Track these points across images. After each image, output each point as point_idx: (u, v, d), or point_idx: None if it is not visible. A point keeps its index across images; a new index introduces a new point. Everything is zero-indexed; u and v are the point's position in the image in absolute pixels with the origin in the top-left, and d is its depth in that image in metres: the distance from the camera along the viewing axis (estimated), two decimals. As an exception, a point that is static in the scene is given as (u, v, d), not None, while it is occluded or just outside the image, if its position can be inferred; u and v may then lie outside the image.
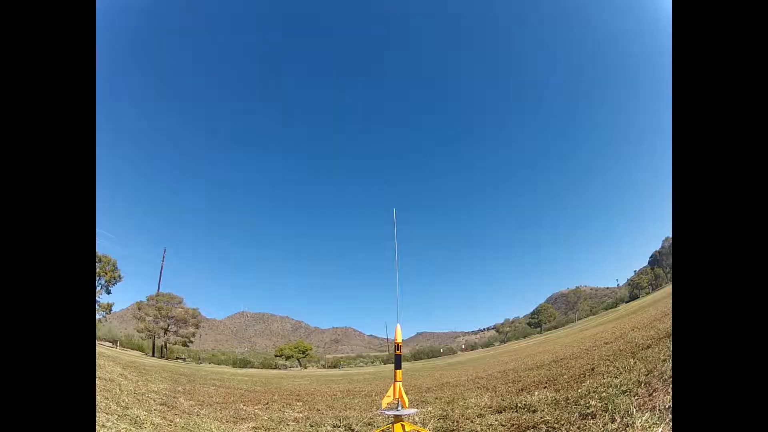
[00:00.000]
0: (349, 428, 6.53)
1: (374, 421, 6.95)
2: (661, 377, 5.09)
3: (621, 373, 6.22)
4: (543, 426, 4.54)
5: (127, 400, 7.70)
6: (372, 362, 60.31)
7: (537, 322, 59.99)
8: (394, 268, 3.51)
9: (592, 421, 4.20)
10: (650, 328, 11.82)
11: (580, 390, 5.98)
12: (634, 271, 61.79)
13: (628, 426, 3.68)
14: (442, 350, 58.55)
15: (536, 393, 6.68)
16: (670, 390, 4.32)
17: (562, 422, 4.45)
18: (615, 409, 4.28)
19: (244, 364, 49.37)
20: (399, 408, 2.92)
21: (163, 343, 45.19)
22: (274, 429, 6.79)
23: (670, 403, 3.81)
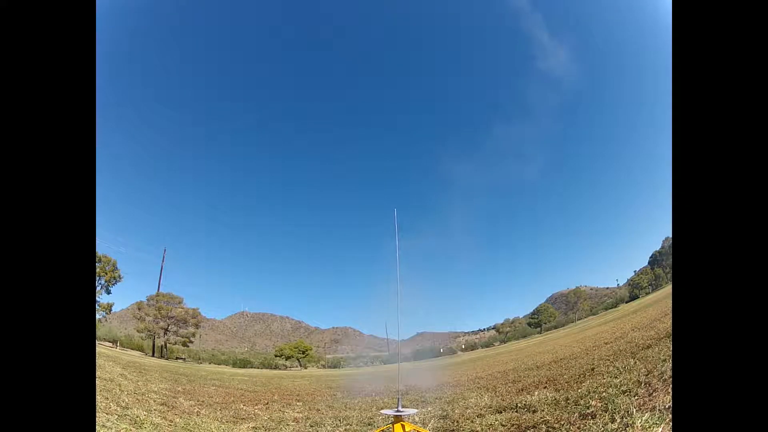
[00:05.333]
0: (349, 428, 6.53)
1: (374, 421, 6.95)
2: (661, 377, 5.10)
3: (621, 373, 6.22)
4: (543, 426, 4.54)
5: (127, 400, 7.71)
6: (372, 362, 60.27)
7: (537, 322, 59.86)
8: (395, 269, 3.50)
9: (592, 421, 4.20)
10: (650, 328, 11.83)
11: (580, 390, 5.98)
12: (634, 271, 61.56)
13: (628, 426, 3.68)
14: (442, 350, 58.47)
15: (536, 393, 6.68)
16: (670, 390, 4.32)
17: (562, 422, 4.45)
18: (615, 409, 4.28)
19: (244, 364, 49.32)
20: (399, 408, 2.92)
21: (163, 343, 45.17)
22: (274, 429, 6.80)
23: (670, 403, 3.81)
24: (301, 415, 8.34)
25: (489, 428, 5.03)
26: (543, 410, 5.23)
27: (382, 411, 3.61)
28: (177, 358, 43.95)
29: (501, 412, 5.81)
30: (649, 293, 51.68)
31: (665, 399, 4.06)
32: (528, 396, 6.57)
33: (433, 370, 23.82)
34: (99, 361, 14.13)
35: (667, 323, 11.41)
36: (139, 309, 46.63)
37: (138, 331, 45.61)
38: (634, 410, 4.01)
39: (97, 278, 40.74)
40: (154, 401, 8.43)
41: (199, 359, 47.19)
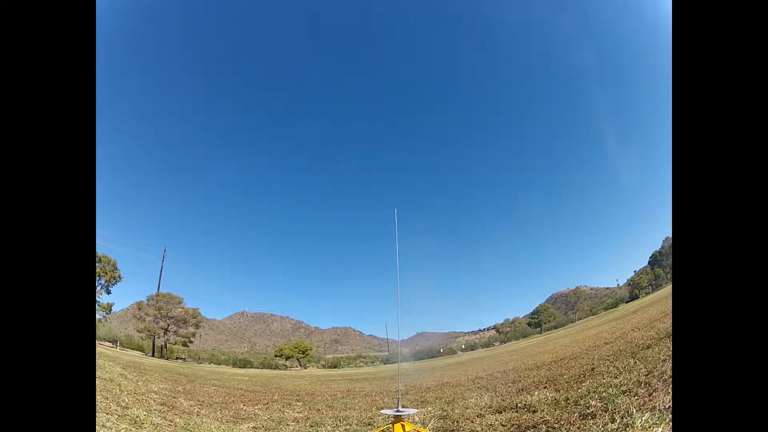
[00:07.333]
0: (349, 428, 6.53)
1: (374, 421, 6.95)
2: (661, 377, 5.10)
3: (621, 373, 6.22)
4: (543, 426, 4.54)
5: (127, 400, 7.71)
6: (372, 362, 60.26)
7: (537, 322, 59.87)
8: (394, 269, 3.50)
9: (592, 421, 4.20)
10: (650, 328, 11.82)
11: (580, 390, 5.98)
12: (634, 271, 61.50)
13: (628, 426, 3.68)
14: (442, 350, 58.46)
15: (536, 393, 6.68)
16: (670, 390, 4.32)
17: (562, 422, 4.45)
18: (615, 409, 4.28)
19: (244, 364, 49.32)
20: (399, 408, 2.92)
21: (163, 343, 45.15)
22: (274, 429, 6.80)
23: (670, 403, 3.81)
24: (301, 415, 8.34)
25: (489, 428, 5.03)
26: (543, 410, 5.23)
27: (382, 411, 3.61)
28: (177, 358, 43.93)
29: (501, 412, 5.81)
30: (649, 293, 51.66)
31: (665, 399, 4.06)
32: (528, 396, 6.57)
33: (439, 369, 23.85)
34: (99, 361, 14.13)
35: (667, 323, 11.40)
36: (139, 309, 46.59)
37: (138, 331, 45.57)
38: (634, 410, 4.01)
39: (97, 278, 40.74)
40: (154, 401, 8.43)
41: (199, 359, 47.17)
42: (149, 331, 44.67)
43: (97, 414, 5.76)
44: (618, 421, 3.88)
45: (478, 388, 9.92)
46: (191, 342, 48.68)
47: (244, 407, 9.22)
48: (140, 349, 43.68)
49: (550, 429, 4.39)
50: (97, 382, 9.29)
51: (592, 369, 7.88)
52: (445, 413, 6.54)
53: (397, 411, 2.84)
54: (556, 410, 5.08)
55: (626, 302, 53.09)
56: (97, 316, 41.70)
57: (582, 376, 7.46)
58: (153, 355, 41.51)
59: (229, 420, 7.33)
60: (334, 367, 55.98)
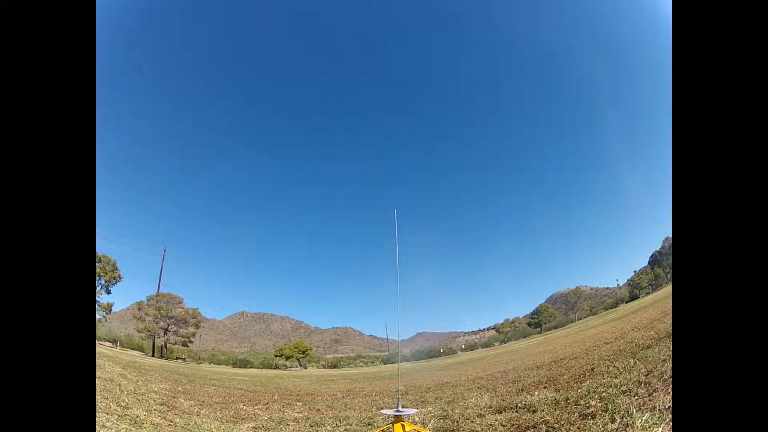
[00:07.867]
0: (349, 428, 6.53)
1: (374, 421, 6.96)
2: (661, 377, 5.10)
3: (621, 373, 6.22)
4: (543, 426, 4.54)
5: (127, 400, 7.71)
6: (372, 362, 60.29)
7: (537, 322, 59.87)
8: (394, 269, 3.50)
9: (592, 421, 4.20)
10: (650, 328, 11.82)
11: (580, 390, 5.98)
12: (634, 271, 61.49)
13: (628, 426, 3.68)
14: (442, 350, 58.49)
15: (536, 393, 6.68)
16: (670, 390, 4.32)
17: (562, 422, 4.45)
18: (615, 409, 4.28)
19: (244, 364, 49.33)
20: (399, 408, 2.92)
21: (163, 343, 45.17)
22: (274, 429, 6.80)
23: (670, 403, 3.81)
24: (301, 415, 8.34)
25: (489, 428, 5.03)
26: (543, 410, 5.23)
27: (382, 411, 3.61)
28: (177, 358, 43.95)
29: (501, 412, 5.81)
30: (649, 293, 51.65)
31: (665, 399, 4.06)
32: (528, 396, 6.57)
33: (439, 369, 23.85)
34: (99, 361, 14.14)
35: (667, 323, 11.40)
36: (139, 309, 46.61)
37: (138, 331, 45.59)
38: (634, 410, 4.01)
39: (97, 278, 40.75)
40: (154, 401, 8.43)
41: (199, 359, 47.18)
42: (149, 331, 44.68)
43: (97, 414, 5.76)
44: (618, 421, 3.88)
45: (478, 388, 9.92)
46: (191, 342, 48.69)
47: (244, 407, 9.22)
48: (140, 349, 43.68)
49: (550, 429, 4.39)
50: (97, 382, 9.29)
51: (592, 369, 7.88)
52: (445, 413, 6.54)
53: (397, 411, 2.84)
54: (556, 410, 5.08)
55: (626, 302, 53.06)
56: (97, 316, 41.72)
57: (582, 376, 7.46)
58: (153, 355, 41.51)
59: (229, 420, 7.33)
60: (334, 367, 55.98)
